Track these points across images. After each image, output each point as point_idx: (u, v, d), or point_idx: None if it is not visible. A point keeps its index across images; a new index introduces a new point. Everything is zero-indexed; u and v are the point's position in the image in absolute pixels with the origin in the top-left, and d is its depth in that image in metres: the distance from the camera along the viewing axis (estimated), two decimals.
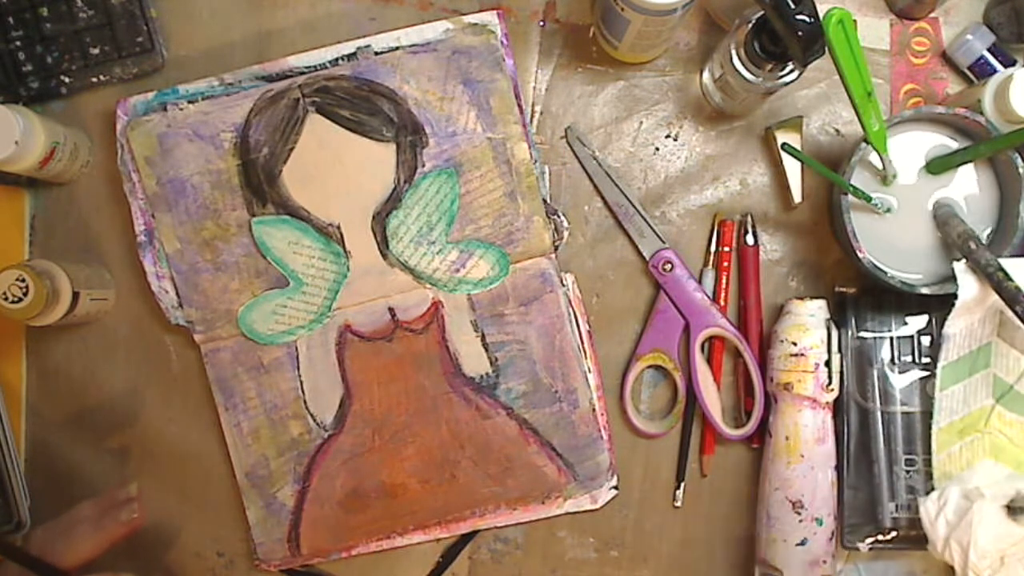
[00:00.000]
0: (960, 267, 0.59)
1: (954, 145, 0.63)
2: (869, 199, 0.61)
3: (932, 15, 0.68)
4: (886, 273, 0.61)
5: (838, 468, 0.64)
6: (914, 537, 0.63)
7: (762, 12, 0.56)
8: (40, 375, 0.67)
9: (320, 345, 0.65)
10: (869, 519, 0.63)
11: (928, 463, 0.63)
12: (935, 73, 0.68)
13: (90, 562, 0.59)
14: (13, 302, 0.58)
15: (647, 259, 0.67)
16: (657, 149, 0.68)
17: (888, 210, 0.62)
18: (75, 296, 0.61)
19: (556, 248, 0.66)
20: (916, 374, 0.64)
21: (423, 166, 0.64)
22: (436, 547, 0.68)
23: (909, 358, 0.64)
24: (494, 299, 0.65)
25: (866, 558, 0.66)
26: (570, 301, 0.66)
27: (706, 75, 0.66)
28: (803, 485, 0.62)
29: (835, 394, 0.63)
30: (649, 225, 0.67)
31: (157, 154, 0.64)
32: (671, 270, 0.66)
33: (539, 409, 0.65)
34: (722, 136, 0.68)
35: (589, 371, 0.66)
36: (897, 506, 0.63)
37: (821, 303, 0.64)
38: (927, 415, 0.63)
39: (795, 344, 0.62)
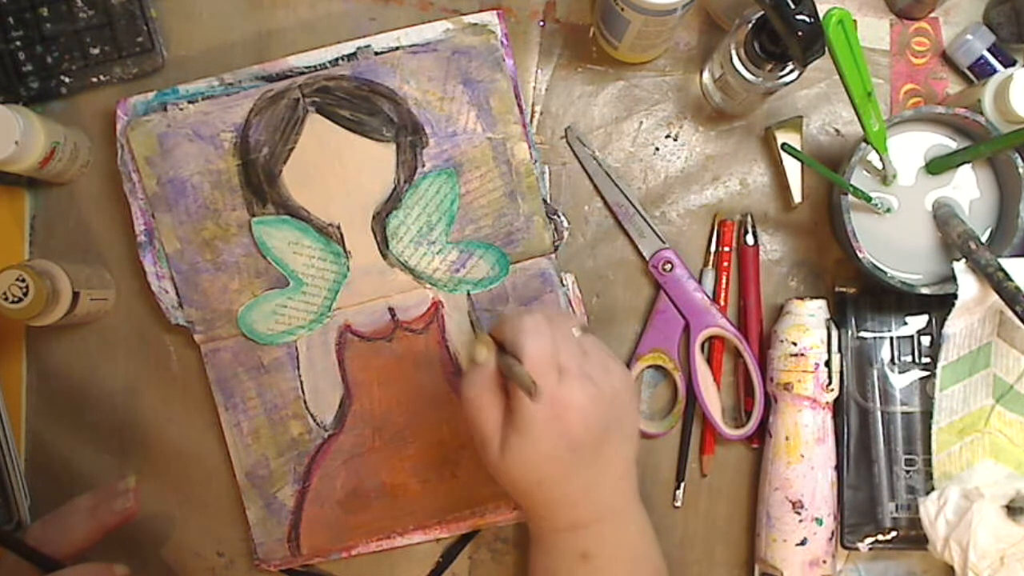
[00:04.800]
0: (960, 267, 0.59)
1: (954, 145, 0.63)
2: (869, 199, 0.61)
3: (932, 15, 0.68)
4: (886, 273, 0.61)
5: (838, 468, 0.64)
6: (914, 537, 0.63)
7: (762, 12, 0.56)
8: (40, 375, 0.67)
9: (320, 345, 0.65)
10: (869, 519, 0.63)
11: (928, 463, 0.63)
12: (935, 73, 0.68)
13: (84, 551, 0.59)
14: (13, 302, 0.58)
15: (647, 259, 0.67)
16: (657, 149, 0.68)
17: (888, 210, 0.62)
18: (75, 296, 0.61)
19: (556, 248, 0.66)
20: (916, 374, 0.64)
21: (423, 166, 0.64)
22: (436, 547, 0.68)
23: (909, 358, 0.64)
24: (494, 299, 0.65)
25: (866, 558, 0.66)
26: (570, 301, 0.66)
27: (706, 75, 0.66)
28: (803, 485, 0.62)
29: (835, 394, 0.63)
30: (649, 225, 0.67)
31: (157, 154, 0.64)
32: (671, 270, 0.66)
33: None
34: (722, 136, 0.68)
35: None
36: (897, 506, 0.63)
37: (821, 303, 0.64)
38: (927, 415, 0.63)
39: (795, 344, 0.62)
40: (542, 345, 0.49)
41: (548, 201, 0.65)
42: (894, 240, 0.63)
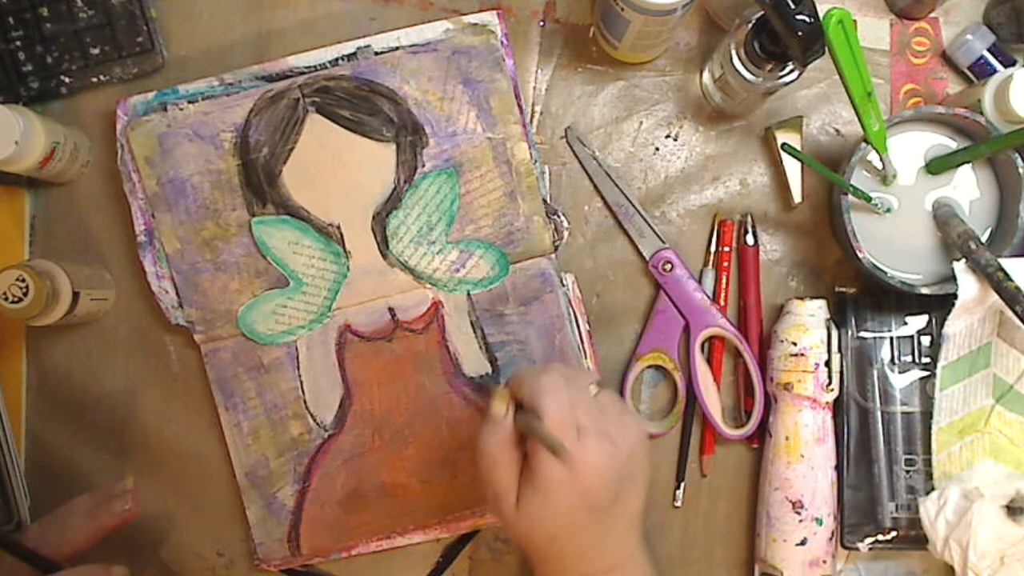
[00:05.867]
0: (960, 267, 0.59)
1: (954, 145, 0.63)
2: (869, 199, 0.61)
3: (932, 15, 0.68)
4: (886, 273, 0.61)
5: (838, 468, 0.64)
6: (914, 537, 0.63)
7: (762, 12, 0.56)
8: (40, 375, 0.67)
9: (320, 345, 0.65)
10: (869, 519, 0.63)
11: (928, 463, 0.63)
12: (935, 73, 0.68)
13: (83, 553, 0.59)
14: (13, 302, 0.58)
15: (647, 259, 0.67)
16: (657, 149, 0.68)
17: (888, 210, 0.62)
18: (75, 296, 0.61)
19: (556, 248, 0.66)
20: (916, 374, 0.64)
21: (423, 166, 0.64)
22: (436, 547, 0.68)
23: (909, 358, 0.64)
24: (494, 299, 0.65)
25: (866, 558, 0.66)
26: (570, 301, 0.66)
27: (706, 75, 0.66)
28: (803, 485, 0.62)
29: (835, 394, 0.63)
30: (649, 225, 0.67)
31: (157, 154, 0.64)
32: (671, 270, 0.66)
33: None
34: (722, 136, 0.68)
35: (589, 371, 0.66)
36: (897, 506, 0.63)
37: (821, 303, 0.64)
38: (927, 415, 0.63)
39: (795, 344, 0.62)
40: (561, 404, 0.49)
41: (548, 201, 0.65)
42: (894, 240, 0.63)
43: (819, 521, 0.62)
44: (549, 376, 0.50)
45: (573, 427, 0.49)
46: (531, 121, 0.67)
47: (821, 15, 0.52)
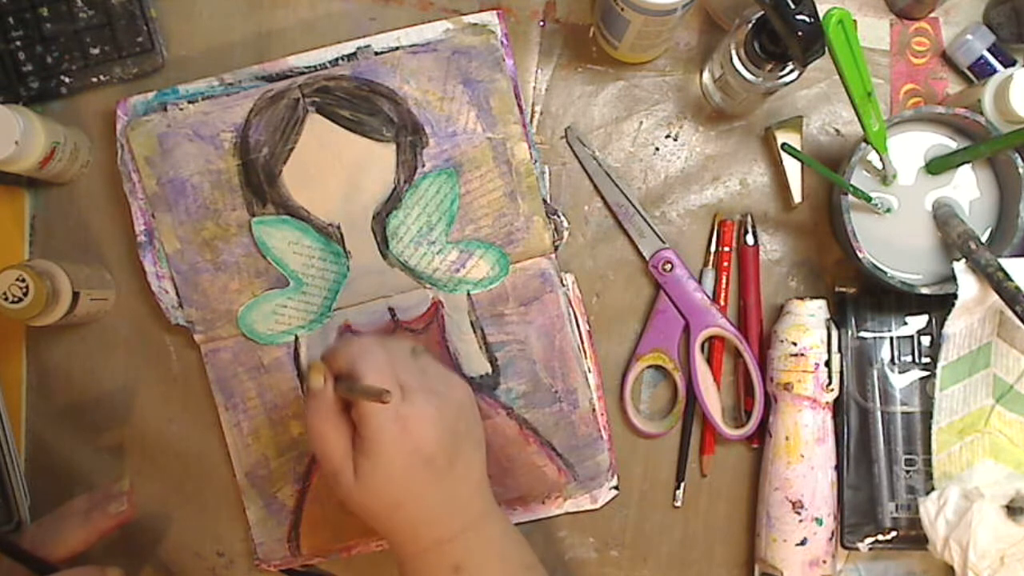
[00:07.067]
0: (960, 267, 0.59)
1: (954, 145, 0.63)
2: (869, 199, 0.61)
3: (932, 15, 0.68)
4: (886, 273, 0.61)
5: (838, 468, 0.64)
6: (914, 537, 0.63)
7: (762, 12, 0.56)
8: (40, 375, 0.67)
9: (320, 345, 0.65)
10: (869, 519, 0.63)
11: (928, 463, 0.63)
12: (935, 73, 0.68)
13: (79, 554, 0.59)
14: (13, 302, 0.58)
15: (647, 259, 0.67)
16: (657, 149, 0.68)
17: (888, 210, 0.62)
18: (75, 296, 0.61)
19: (556, 248, 0.66)
20: (916, 374, 0.64)
21: (423, 166, 0.64)
22: None
23: (909, 358, 0.64)
24: (494, 299, 0.65)
25: (866, 558, 0.66)
26: (570, 301, 0.66)
27: (706, 75, 0.66)
28: (803, 485, 0.62)
29: (835, 394, 0.63)
30: (649, 225, 0.67)
31: (157, 154, 0.64)
32: (671, 270, 0.66)
33: (539, 409, 0.65)
34: (722, 136, 0.68)
35: (589, 371, 0.66)
36: (897, 506, 0.63)
37: (821, 303, 0.64)
38: (927, 415, 0.63)
39: (795, 344, 0.62)
40: (380, 365, 0.49)
41: (548, 201, 0.65)
42: (894, 240, 0.63)
43: (819, 521, 0.62)
44: (363, 342, 0.51)
45: (396, 386, 0.49)
46: (531, 121, 0.67)
47: (821, 15, 0.52)
